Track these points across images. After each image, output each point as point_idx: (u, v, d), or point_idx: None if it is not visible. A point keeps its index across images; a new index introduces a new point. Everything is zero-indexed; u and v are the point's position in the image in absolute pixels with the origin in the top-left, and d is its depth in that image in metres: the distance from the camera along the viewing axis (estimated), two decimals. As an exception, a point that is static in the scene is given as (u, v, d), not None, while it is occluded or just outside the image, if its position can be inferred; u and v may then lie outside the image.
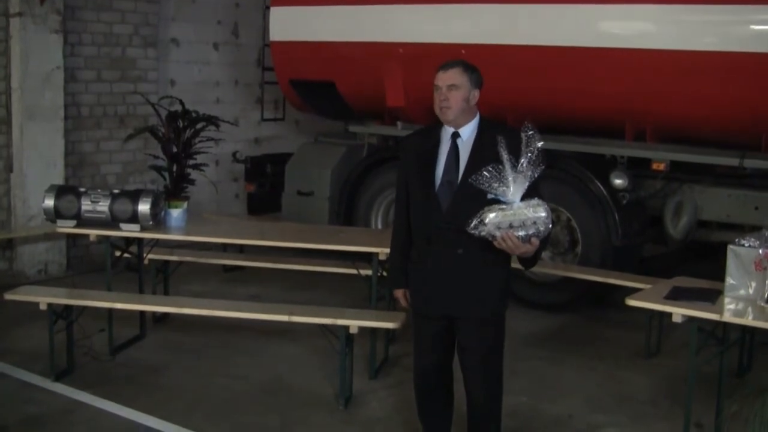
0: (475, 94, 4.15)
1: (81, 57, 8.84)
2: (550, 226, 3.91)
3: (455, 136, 4.14)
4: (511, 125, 7.29)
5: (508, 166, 3.83)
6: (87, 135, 9.00)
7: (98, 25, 8.97)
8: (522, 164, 3.83)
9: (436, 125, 4.25)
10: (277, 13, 9.10)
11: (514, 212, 3.85)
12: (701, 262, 8.44)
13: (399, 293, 4.45)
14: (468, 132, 4.15)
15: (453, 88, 4.09)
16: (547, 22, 7.36)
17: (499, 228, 3.84)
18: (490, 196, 3.87)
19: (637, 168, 7.53)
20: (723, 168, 7.32)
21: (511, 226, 3.84)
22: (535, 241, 3.90)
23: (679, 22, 6.82)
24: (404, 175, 4.32)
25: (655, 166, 7.33)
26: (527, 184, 3.87)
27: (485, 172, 3.83)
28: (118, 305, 6.08)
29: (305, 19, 8.85)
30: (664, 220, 7.46)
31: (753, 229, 6.61)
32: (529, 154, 3.83)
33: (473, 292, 4.13)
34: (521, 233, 3.85)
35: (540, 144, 3.84)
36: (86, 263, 8.85)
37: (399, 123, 8.73)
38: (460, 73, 4.12)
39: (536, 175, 3.87)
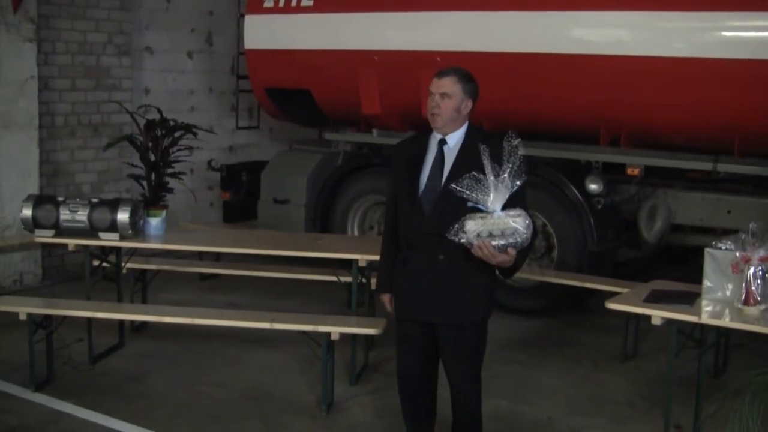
0: (468, 104, 4.17)
1: (55, 66, 8.79)
2: (530, 236, 3.90)
3: (442, 142, 4.17)
4: (490, 132, 7.41)
5: (490, 174, 3.84)
6: (61, 144, 8.94)
7: (72, 34, 8.92)
8: (504, 173, 3.84)
9: (427, 132, 4.27)
10: (251, 21, 9.11)
11: (494, 221, 3.84)
12: (674, 265, 8.53)
13: (385, 298, 4.47)
14: (455, 139, 4.17)
15: (445, 97, 4.12)
16: (522, 29, 7.42)
17: (478, 236, 3.84)
18: (470, 204, 3.89)
19: (612, 173, 7.60)
20: (696, 173, 7.41)
21: (490, 235, 3.83)
22: (512, 252, 3.89)
23: (652, 28, 6.90)
24: (393, 180, 4.34)
25: (629, 171, 7.40)
26: (508, 193, 3.86)
27: (467, 180, 3.85)
28: (100, 314, 6.06)
29: (280, 27, 8.85)
30: (639, 224, 7.53)
31: (726, 233, 6.71)
32: (512, 164, 3.83)
33: (453, 298, 4.14)
34: (499, 242, 3.84)
35: (522, 153, 3.86)
36: (62, 273, 8.79)
37: (374, 130, 8.76)
38: (454, 82, 4.14)
39: (518, 185, 3.87)
